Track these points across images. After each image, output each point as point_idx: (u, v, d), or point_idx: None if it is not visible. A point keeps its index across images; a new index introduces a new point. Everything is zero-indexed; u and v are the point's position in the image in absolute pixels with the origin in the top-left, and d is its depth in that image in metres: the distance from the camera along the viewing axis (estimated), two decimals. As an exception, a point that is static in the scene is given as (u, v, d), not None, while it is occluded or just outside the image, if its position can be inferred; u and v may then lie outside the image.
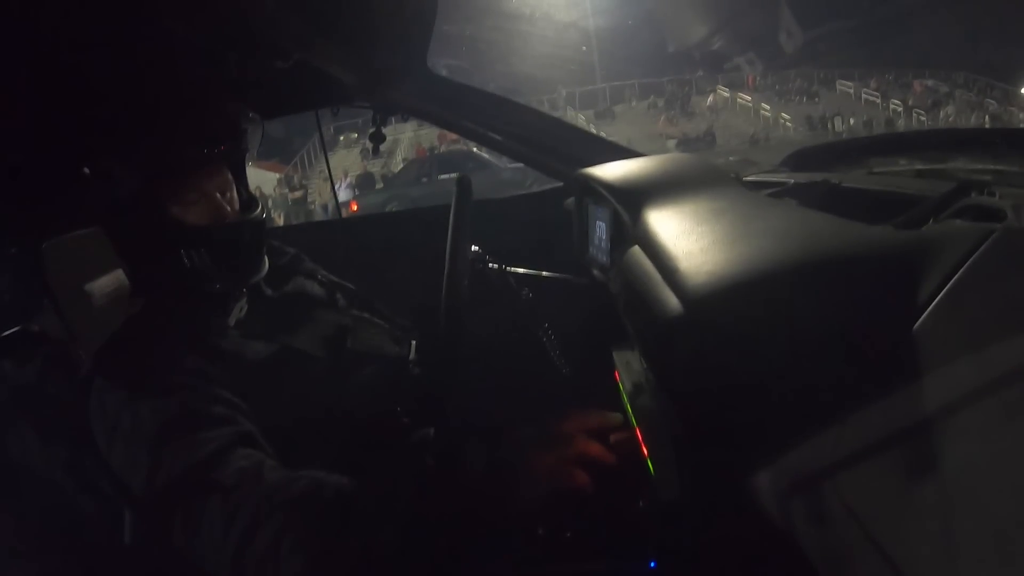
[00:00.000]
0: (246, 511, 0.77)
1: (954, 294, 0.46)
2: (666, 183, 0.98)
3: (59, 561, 1.00)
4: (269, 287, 1.13)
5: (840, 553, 0.44)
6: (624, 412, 0.94)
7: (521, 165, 2.07)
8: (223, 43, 1.10)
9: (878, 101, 20.76)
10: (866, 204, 0.75)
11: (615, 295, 0.98)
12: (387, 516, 0.76)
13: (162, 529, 0.83)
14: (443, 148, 17.40)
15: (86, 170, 0.97)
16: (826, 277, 0.55)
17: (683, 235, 0.75)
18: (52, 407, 1.05)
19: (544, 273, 1.43)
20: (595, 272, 1.27)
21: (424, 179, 13.60)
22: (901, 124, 19.13)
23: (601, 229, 1.22)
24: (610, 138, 1.89)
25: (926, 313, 0.46)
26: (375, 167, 17.40)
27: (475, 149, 12.78)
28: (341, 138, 20.91)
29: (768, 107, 20.94)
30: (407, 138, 20.07)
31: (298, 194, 17.47)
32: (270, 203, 15.93)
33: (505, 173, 11.43)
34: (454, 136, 11.60)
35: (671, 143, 18.84)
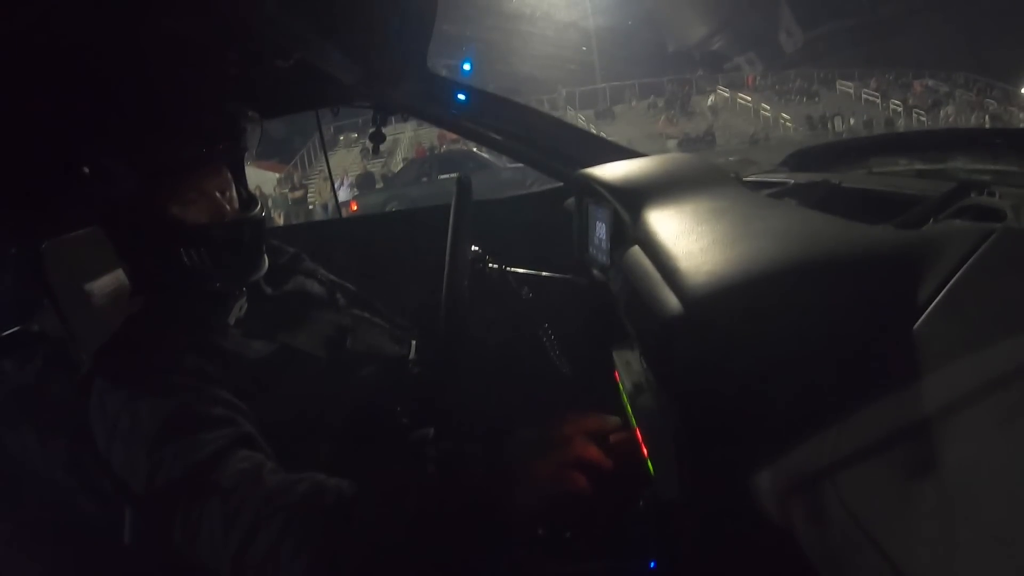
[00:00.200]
0: (246, 514, 0.77)
1: (954, 294, 0.46)
2: (666, 183, 0.98)
3: (59, 561, 1.00)
4: (269, 286, 1.13)
5: (840, 553, 0.44)
6: (624, 412, 0.94)
7: (521, 165, 2.08)
8: (223, 43, 1.10)
9: (878, 101, 20.75)
10: (866, 204, 0.76)
11: (615, 295, 0.98)
12: (388, 519, 0.76)
13: (162, 530, 0.83)
14: (443, 148, 17.39)
15: (86, 170, 0.97)
16: (826, 277, 0.55)
17: (683, 235, 0.75)
18: (52, 407, 1.05)
19: (544, 273, 1.43)
20: (595, 272, 1.27)
21: (424, 179, 13.60)
22: (901, 124, 19.13)
23: (601, 229, 1.22)
24: (610, 138, 1.89)
25: (926, 313, 0.46)
26: (375, 167, 17.39)
27: (475, 149, 12.78)
28: (341, 138, 20.90)
29: (768, 107, 20.94)
30: (407, 138, 20.06)
31: (298, 194, 17.46)
32: (270, 203, 15.93)
33: (505, 173, 11.43)
34: (454, 136, 11.61)
35: (671, 143, 18.83)
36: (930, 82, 21.79)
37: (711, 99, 22.30)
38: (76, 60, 0.93)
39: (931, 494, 0.39)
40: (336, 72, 1.44)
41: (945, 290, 0.46)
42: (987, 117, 18.48)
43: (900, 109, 20.00)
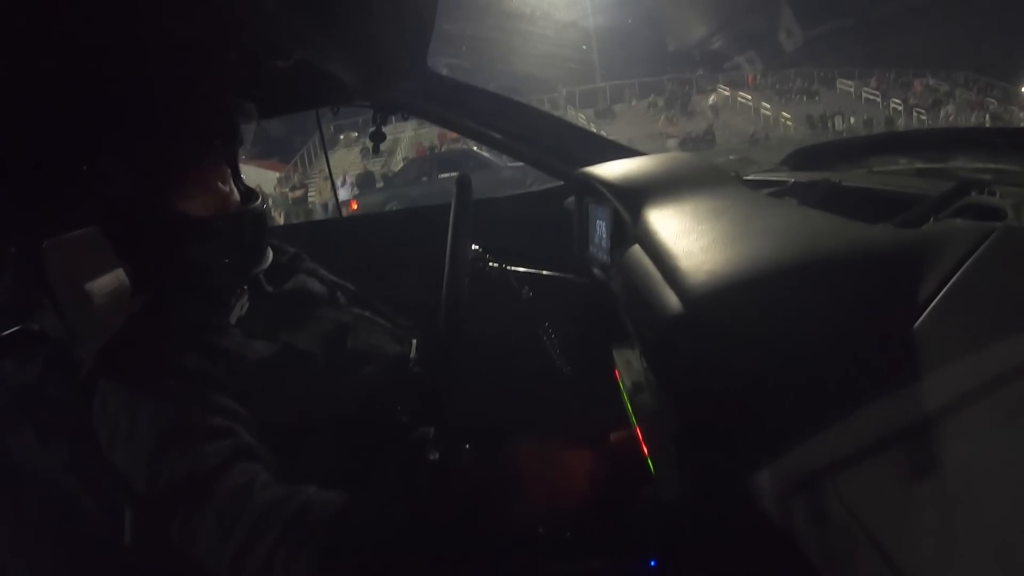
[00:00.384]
0: (241, 529, 0.78)
1: (954, 293, 0.46)
2: (666, 182, 0.98)
3: (59, 561, 1.00)
4: (270, 285, 1.13)
5: (840, 552, 0.44)
6: (624, 411, 0.94)
7: (521, 164, 2.07)
8: (223, 43, 1.10)
9: (878, 100, 20.74)
10: (866, 203, 0.76)
11: (615, 294, 0.98)
12: (380, 531, 0.77)
13: (160, 534, 0.84)
14: (443, 147, 17.39)
15: (85, 168, 0.98)
16: (826, 276, 0.55)
17: (683, 234, 0.75)
18: (53, 407, 1.05)
19: (544, 272, 1.43)
20: (595, 271, 1.27)
21: (424, 178, 13.60)
22: (901, 123, 19.11)
23: (601, 228, 1.22)
24: (610, 137, 1.88)
25: (926, 312, 0.46)
26: (375, 166, 17.39)
27: (475, 148, 12.78)
28: (341, 137, 20.89)
29: (768, 106, 20.92)
30: (407, 137, 20.05)
31: (298, 193, 17.46)
32: (270, 202, 15.91)
33: (505, 172, 11.43)
34: (454, 135, 11.61)
35: (671, 142, 18.82)
36: (930, 81, 21.78)
37: (712, 98, 22.28)
38: (76, 60, 0.93)
39: (931, 494, 0.39)
40: (336, 72, 1.44)
41: (945, 289, 0.46)
42: (987, 116, 18.47)
43: (900, 108, 19.99)
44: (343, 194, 13.85)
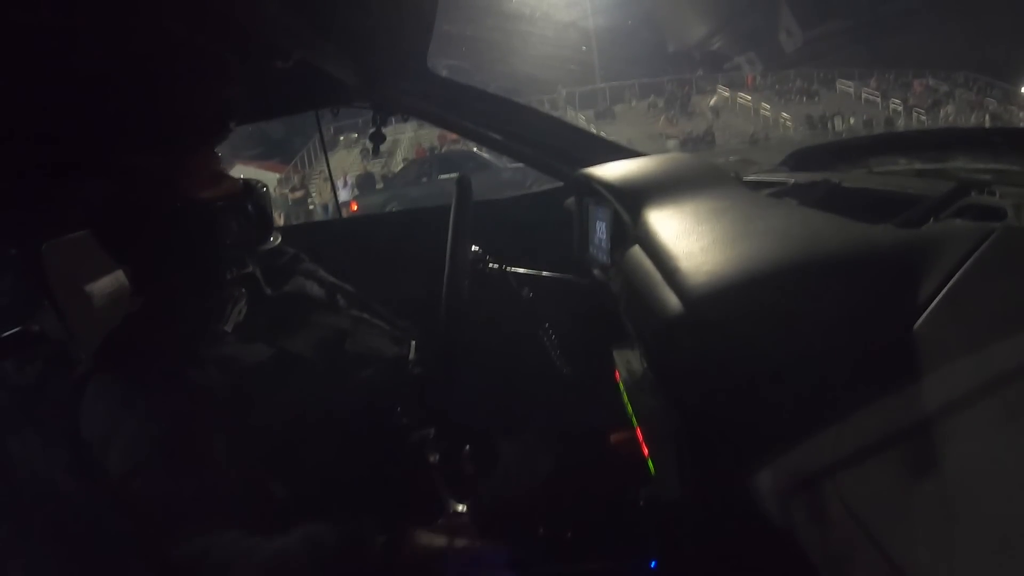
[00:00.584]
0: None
1: (954, 293, 0.46)
2: (666, 183, 0.98)
3: (59, 561, 1.00)
4: (269, 286, 1.13)
5: (840, 552, 0.44)
6: (624, 411, 0.94)
7: (521, 165, 2.07)
8: (223, 43, 1.10)
9: (878, 100, 20.72)
10: (866, 204, 0.76)
11: (615, 295, 0.98)
12: None
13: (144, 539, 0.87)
14: (443, 148, 17.38)
15: (86, 166, 0.98)
16: (826, 277, 0.55)
17: (683, 235, 0.75)
18: (52, 408, 1.05)
19: (544, 273, 1.43)
20: (595, 272, 1.27)
21: (424, 179, 13.59)
22: (901, 123, 19.09)
23: (601, 229, 1.22)
24: (610, 138, 1.88)
25: (926, 312, 0.46)
26: (375, 167, 17.37)
27: (475, 149, 12.77)
28: (341, 138, 20.87)
29: (768, 107, 20.90)
30: (407, 138, 20.04)
31: (298, 194, 17.44)
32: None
33: (505, 173, 11.42)
34: (454, 136, 11.61)
35: (671, 143, 18.80)
36: (930, 81, 21.76)
37: (713, 100, 22.27)
38: (76, 60, 0.93)
39: (931, 494, 0.39)
40: (336, 72, 1.44)
41: (945, 290, 0.46)
42: (987, 116, 18.45)
43: (900, 108, 19.97)
44: (343, 195, 13.84)
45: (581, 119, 19.51)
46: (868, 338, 0.49)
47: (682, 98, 22.59)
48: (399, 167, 16.90)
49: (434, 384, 1.17)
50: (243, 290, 1.07)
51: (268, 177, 17.59)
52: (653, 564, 0.97)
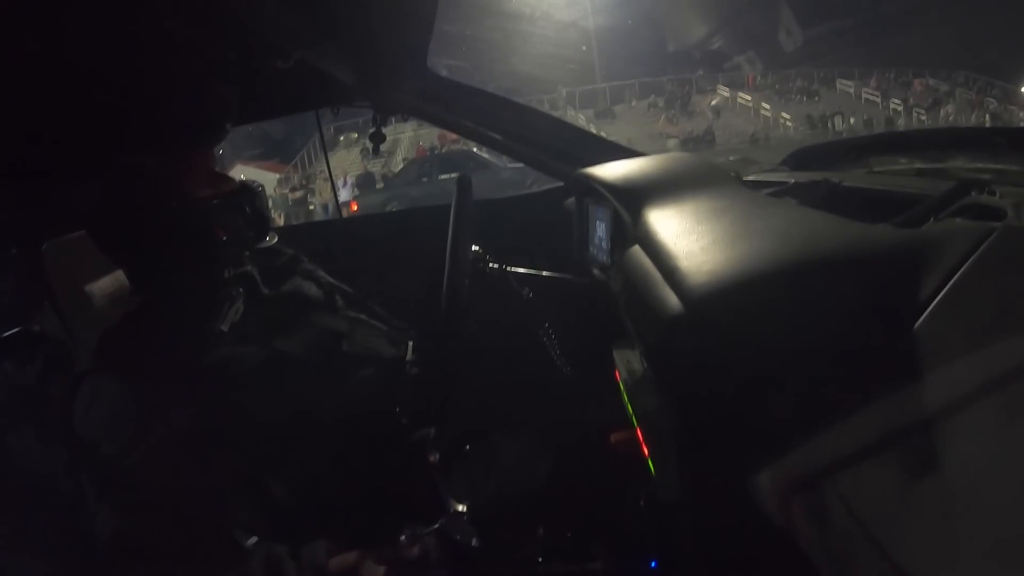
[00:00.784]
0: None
1: (954, 293, 0.46)
2: (666, 182, 0.98)
3: (59, 561, 1.00)
4: (266, 286, 1.13)
5: (840, 552, 0.44)
6: (624, 411, 0.94)
7: (521, 165, 2.07)
8: (223, 43, 1.10)
9: (878, 100, 20.71)
10: (866, 203, 0.75)
11: (615, 294, 0.98)
12: None
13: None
14: (443, 148, 17.38)
15: (86, 166, 0.98)
16: (826, 276, 0.55)
17: (683, 234, 0.75)
18: (52, 407, 1.05)
19: (544, 273, 1.43)
20: (595, 271, 1.27)
21: (424, 179, 13.59)
22: (901, 123, 19.09)
23: (601, 228, 1.22)
24: (610, 138, 1.89)
25: (927, 312, 0.46)
26: (375, 167, 17.37)
27: (475, 149, 12.77)
28: (341, 138, 20.86)
29: (768, 106, 20.89)
30: (407, 138, 20.04)
31: (298, 194, 17.45)
32: (270, 203, 15.88)
33: (505, 173, 11.42)
34: (454, 136, 11.58)
35: (671, 142, 18.79)
36: (930, 81, 21.75)
37: (715, 100, 22.26)
38: (76, 61, 0.93)
39: (932, 493, 0.39)
40: (336, 72, 1.44)
41: (946, 289, 0.46)
42: (987, 116, 18.45)
43: (900, 108, 19.97)
44: (343, 195, 13.83)
45: (581, 119, 19.50)
46: (868, 338, 0.49)
47: (682, 98, 22.58)
48: (399, 167, 16.90)
49: (434, 384, 1.17)
50: (240, 289, 1.07)
51: (268, 177, 17.64)
52: (653, 564, 0.97)
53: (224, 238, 1.05)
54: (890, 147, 1.22)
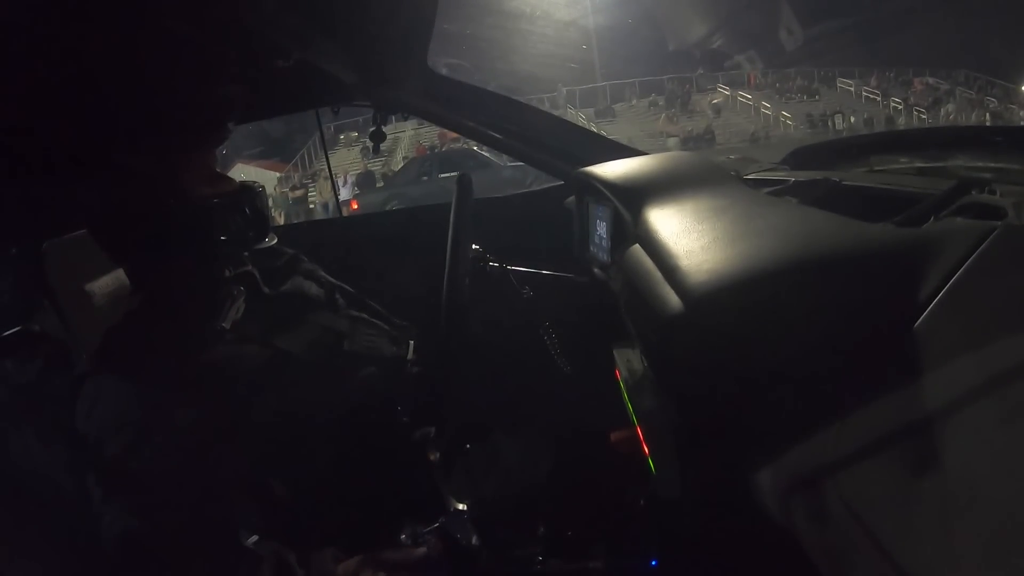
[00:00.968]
0: None
1: (955, 292, 0.46)
2: (666, 181, 0.98)
3: (59, 561, 1.00)
4: (267, 286, 1.13)
5: (841, 551, 0.44)
6: (624, 411, 0.94)
7: (522, 164, 2.07)
8: (223, 43, 1.10)
9: (878, 99, 20.71)
10: (866, 202, 0.75)
11: (616, 293, 0.98)
12: None
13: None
14: (444, 147, 17.38)
15: (86, 166, 0.98)
16: (827, 275, 0.55)
17: (684, 233, 0.75)
18: (52, 407, 1.05)
19: (545, 272, 1.43)
20: (596, 270, 1.26)
21: (425, 178, 13.60)
22: (902, 122, 19.09)
23: (602, 227, 1.22)
24: (610, 136, 1.88)
25: (927, 311, 0.46)
26: (376, 166, 17.37)
27: (476, 148, 12.76)
28: (341, 137, 20.86)
29: (768, 105, 20.88)
30: (407, 137, 20.04)
31: (299, 193, 17.45)
32: (271, 202, 15.91)
33: (506, 172, 11.43)
34: (455, 135, 11.61)
35: (671, 141, 18.79)
36: (930, 80, 21.73)
37: (716, 99, 22.24)
38: (75, 60, 0.93)
39: (932, 492, 0.39)
40: (336, 71, 1.44)
41: (946, 288, 0.46)
42: (988, 115, 18.43)
43: (901, 107, 19.96)
44: (344, 194, 13.84)
45: (581, 117, 19.48)
46: (868, 337, 0.49)
47: (682, 96, 22.58)
48: (399, 166, 16.90)
49: (434, 383, 1.17)
50: (241, 288, 1.07)
51: (268, 176, 17.65)
52: (653, 563, 0.97)
53: (224, 238, 1.05)
54: (890, 146, 1.22)
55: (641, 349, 0.87)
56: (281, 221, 12.74)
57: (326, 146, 2.64)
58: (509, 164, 11.23)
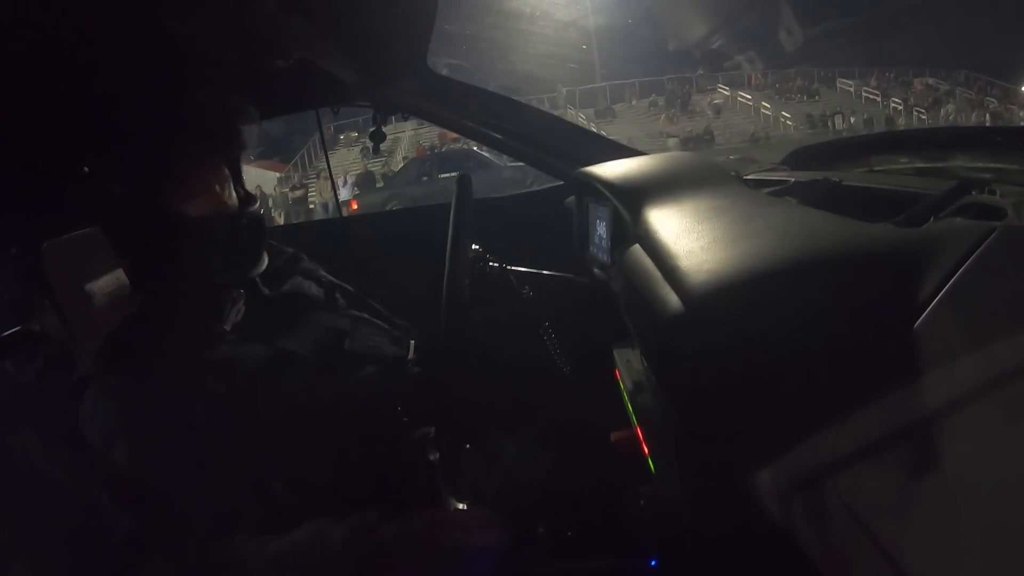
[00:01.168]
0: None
1: (955, 293, 0.46)
2: (666, 181, 0.98)
3: (59, 561, 1.00)
4: (267, 287, 1.13)
5: (840, 552, 0.44)
6: (624, 411, 0.94)
7: (522, 164, 2.07)
8: (223, 43, 1.10)
9: (878, 99, 20.74)
10: (866, 202, 0.75)
11: (615, 294, 0.98)
12: None
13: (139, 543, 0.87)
14: (443, 147, 17.39)
15: (85, 169, 0.98)
16: (826, 276, 0.55)
17: (683, 233, 0.75)
18: (52, 407, 1.05)
19: (545, 272, 1.43)
20: (595, 271, 1.27)
21: (424, 178, 13.62)
22: (901, 122, 19.12)
23: (601, 228, 1.22)
24: (610, 137, 1.88)
25: (927, 312, 0.46)
26: (375, 166, 17.37)
27: (476, 148, 12.78)
28: (341, 137, 20.88)
29: (768, 105, 20.91)
30: (407, 137, 20.05)
31: (298, 193, 17.46)
32: (270, 202, 15.93)
33: (506, 172, 11.45)
34: (454, 135, 11.61)
35: (671, 141, 18.81)
36: (930, 80, 21.76)
37: (717, 100, 22.25)
38: (76, 60, 0.93)
39: (932, 493, 0.39)
40: (336, 71, 1.44)
41: (946, 288, 0.46)
42: (988, 115, 18.46)
43: (900, 107, 19.99)
44: (343, 194, 13.85)
45: (581, 118, 19.50)
46: (868, 337, 0.49)
47: (682, 97, 22.60)
48: (399, 166, 16.92)
49: (434, 383, 1.17)
50: (241, 291, 1.07)
51: (268, 176, 17.65)
52: (653, 563, 0.97)
53: (215, 262, 1.03)
54: (890, 146, 1.22)
55: (641, 349, 0.87)
56: (281, 221, 12.76)
57: (326, 146, 2.64)
58: (509, 164, 11.25)
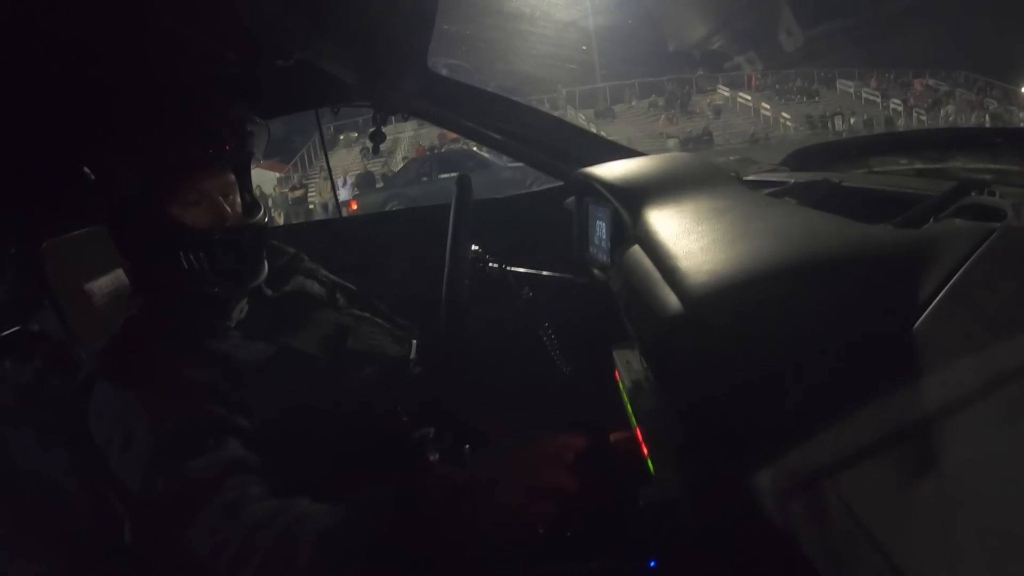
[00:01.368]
0: (233, 544, 0.78)
1: (954, 293, 0.46)
2: (666, 182, 0.98)
3: (59, 562, 1.00)
4: (269, 287, 1.13)
5: (840, 552, 0.44)
6: (624, 412, 0.94)
7: (521, 164, 2.08)
8: (223, 43, 1.10)
9: (878, 100, 20.72)
10: (866, 203, 0.76)
11: (615, 294, 0.98)
12: (371, 548, 0.76)
13: (155, 539, 0.85)
14: (443, 147, 17.38)
15: (87, 170, 0.97)
16: (826, 276, 0.55)
17: (683, 234, 0.75)
18: (52, 407, 1.05)
19: (544, 272, 1.43)
20: (595, 271, 1.27)
21: (424, 178, 13.61)
22: (901, 123, 19.11)
23: (601, 228, 1.22)
24: (610, 137, 1.88)
25: (926, 312, 0.46)
26: (375, 166, 17.37)
27: (475, 148, 12.77)
28: (341, 137, 20.86)
29: (768, 106, 20.90)
30: (407, 137, 20.04)
31: (298, 193, 17.46)
32: (270, 202, 15.93)
33: (505, 172, 11.44)
34: (454, 135, 11.60)
35: (671, 142, 18.81)
36: (930, 81, 21.75)
37: (716, 100, 22.25)
38: (77, 60, 0.93)
39: (931, 494, 0.39)
40: (336, 72, 1.44)
41: (945, 289, 0.46)
42: (987, 116, 18.45)
43: (900, 108, 19.97)
44: (343, 194, 13.84)
45: (581, 118, 19.49)
46: (868, 338, 0.49)
47: (682, 97, 22.60)
48: (399, 166, 16.90)
49: (434, 383, 1.17)
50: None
51: (268, 176, 17.64)
52: (653, 564, 0.97)
53: (215, 274, 1.02)
54: (890, 147, 1.22)
55: (640, 350, 0.87)
56: (281, 221, 12.75)
57: (326, 146, 2.64)
58: (509, 165, 11.24)
